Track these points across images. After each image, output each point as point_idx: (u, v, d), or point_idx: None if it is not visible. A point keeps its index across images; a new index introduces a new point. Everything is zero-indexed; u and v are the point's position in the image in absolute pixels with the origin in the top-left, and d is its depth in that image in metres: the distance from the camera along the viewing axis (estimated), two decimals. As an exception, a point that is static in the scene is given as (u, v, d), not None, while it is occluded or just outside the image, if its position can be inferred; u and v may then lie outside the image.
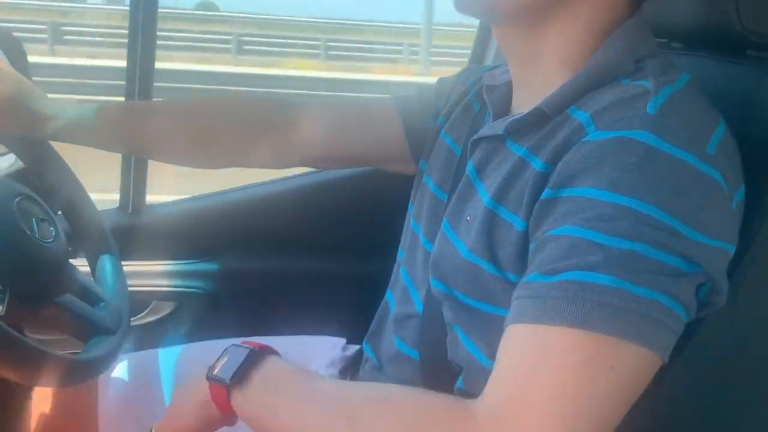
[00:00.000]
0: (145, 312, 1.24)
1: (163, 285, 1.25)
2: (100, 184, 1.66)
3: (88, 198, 0.92)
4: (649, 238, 0.50)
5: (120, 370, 0.91)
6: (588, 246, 0.51)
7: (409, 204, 0.88)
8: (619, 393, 0.50)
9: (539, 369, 0.49)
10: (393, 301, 0.85)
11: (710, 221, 0.53)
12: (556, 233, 0.53)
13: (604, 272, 0.50)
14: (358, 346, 0.96)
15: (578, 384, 0.49)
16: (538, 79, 0.65)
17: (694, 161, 0.52)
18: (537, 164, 0.59)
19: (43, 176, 0.84)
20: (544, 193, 0.56)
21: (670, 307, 0.51)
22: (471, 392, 0.53)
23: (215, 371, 0.61)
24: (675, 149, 0.52)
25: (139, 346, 1.02)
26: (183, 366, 0.91)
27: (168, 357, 0.94)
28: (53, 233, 0.75)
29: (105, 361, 0.74)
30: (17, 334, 0.61)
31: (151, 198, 1.30)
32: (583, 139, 0.55)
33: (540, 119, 0.62)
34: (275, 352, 0.63)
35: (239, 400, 0.59)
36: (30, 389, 0.89)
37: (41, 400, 0.90)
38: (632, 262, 0.50)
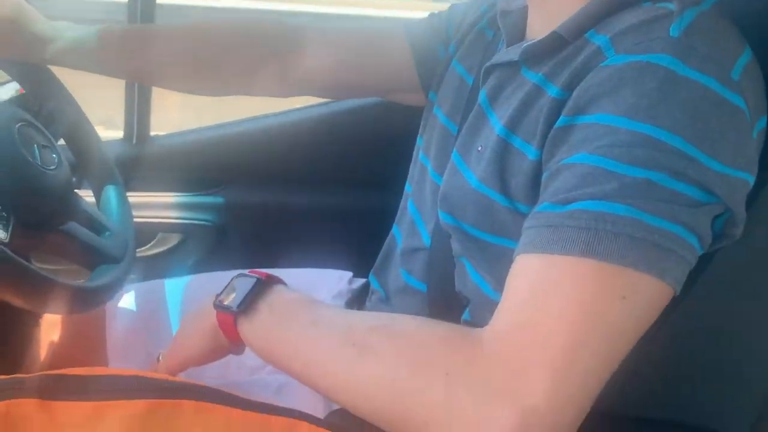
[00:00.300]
0: (151, 243, 1.24)
1: (169, 217, 1.24)
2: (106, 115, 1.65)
3: (91, 127, 0.90)
4: (666, 166, 0.49)
5: (127, 300, 0.91)
6: (602, 174, 0.49)
7: (418, 137, 0.86)
8: (628, 324, 0.50)
9: (548, 298, 0.49)
10: (400, 235, 0.84)
11: (730, 150, 0.51)
12: (570, 162, 0.52)
13: (618, 201, 0.48)
14: (364, 280, 0.96)
15: (587, 314, 0.48)
16: (554, 2, 0.62)
17: (717, 87, 0.50)
18: (552, 91, 0.57)
19: (43, 103, 0.82)
20: (559, 120, 0.54)
21: (685, 238, 0.50)
22: (477, 324, 0.52)
23: (222, 300, 0.61)
24: (697, 74, 0.50)
25: (146, 277, 1.03)
26: (189, 296, 0.92)
27: (174, 287, 0.94)
28: (56, 160, 0.74)
29: (111, 289, 0.74)
30: (23, 261, 0.61)
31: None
32: (601, 64, 0.53)
33: (557, 44, 0.59)
34: (281, 282, 0.63)
35: (246, 328, 0.59)
36: (38, 317, 0.90)
37: (50, 328, 0.91)
38: (647, 191, 0.49)
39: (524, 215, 0.56)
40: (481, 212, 0.63)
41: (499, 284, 0.53)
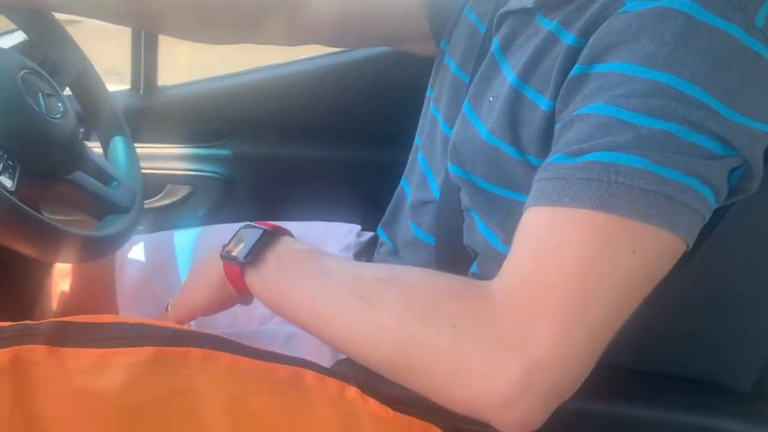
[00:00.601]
0: (160, 195, 1.24)
1: (178, 168, 1.24)
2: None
3: (97, 76, 0.89)
4: (683, 117, 0.47)
5: (136, 251, 0.92)
6: (617, 125, 0.48)
7: (428, 88, 0.84)
8: (639, 278, 0.49)
9: (557, 251, 0.48)
10: (409, 188, 0.84)
11: (751, 100, 0.49)
12: (584, 112, 0.50)
13: (632, 153, 0.47)
14: (372, 233, 0.96)
15: (597, 268, 0.47)
16: None
17: (739, 33, 0.48)
18: (567, 38, 0.55)
19: (48, 51, 0.81)
20: (574, 69, 0.52)
21: (700, 191, 0.48)
22: (485, 277, 0.52)
23: (229, 250, 0.61)
24: (719, 20, 0.48)
25: (155, 228, 1.03)
26: (198, 247, 0.92)
27: (184, 238, 0.94)
28: (61, 109, 0.73)
29: (120, 238, 0.74)
30: (29, 209, 0.61)
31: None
32: (618, 11, 0.51)
33: None
34: (289, 233, 0.62)
35: (253, 278, 0.59)
36: (49, 267, 0.91)
37: (61, 278, 0.91)
38: (663, 142, 0.47)
39: (535, 168, 0.55)
40: (491, 164, 0.62)
41: (508, 238, 0.53)
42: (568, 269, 0.47)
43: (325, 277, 0.56)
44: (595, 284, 0.47)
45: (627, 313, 0.49)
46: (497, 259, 0.53)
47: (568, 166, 0.49)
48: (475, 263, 0.69)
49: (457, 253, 0.71)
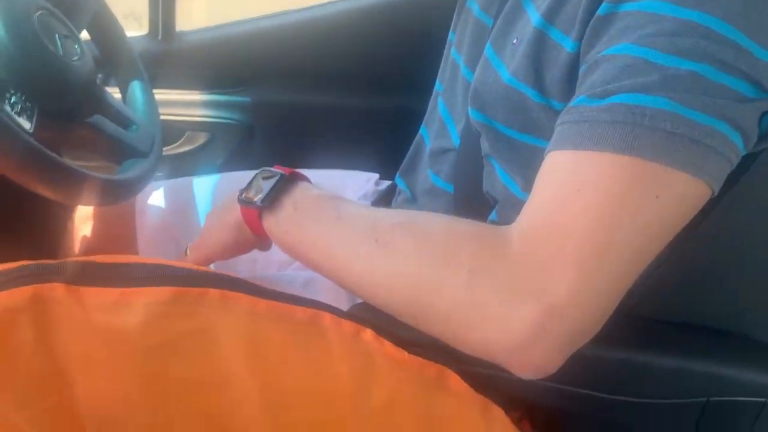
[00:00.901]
0: (179, 142, 1.24)
1: (197, 115, 1.23)
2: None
3: (115, 19, 0.88)
4: (713, 57, 0.45)
5: (156, 197, 0.92)
6: (644, 66, 0.46)
7: (450, 32, 0.82)
8: (661, 225, 0.48)
9: (578, 196, 0.47)
10: (428, 135, 0.82)
11: None
12: (610, 53, 0.49)
13: (659, 94, 0.46)
14: (390, 181, 0.95)
15: (618, 213, 0.46)
16: None
17: None
18: None
19: None
20: (600, 8, 0.50)
21: (728, 136, 0.47)
22: (504, 225, 0.51)
23: (246, 194, 0.61)
24: None
25: (175, 175, 1.03)
26: (217, 193, 0.92)
27: (202, 184, 0.94)
28: (78, 51, 0.72)
29: (139, 182, 0.75)
30: (48, 150, 0.61)
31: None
32: None
33: None
34: (305, 178, 0.62)
35: (270, 223, 0.59)
36: (72, 210, 0.92)
37: (83, 222, 0.93)
38: (691, 83, 0.45)
39: (557, 112, 0.54)
40: (513, 109, 0.61)
41: (528, 185, 0.52)
42: (588, 214, 0.46)
43: (341, 221, 0.56)
44: (616, 230, 0.46)
45: (648, 260, 0.49)
46: (517, 207, 0.52)
47: (591, 109, 0.48)
48: (494, 211, 0.68)
49: (475, 201, 0.70)
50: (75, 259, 0.54)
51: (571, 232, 0.46)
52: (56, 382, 0.53)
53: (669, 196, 0.47)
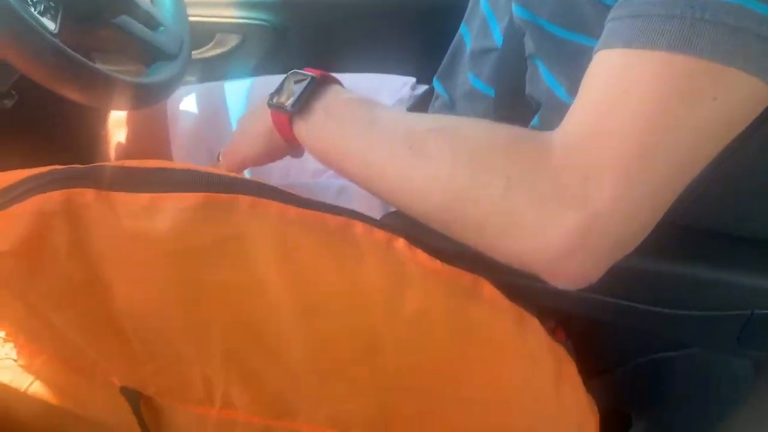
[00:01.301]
0: (209, 45, 1.20)
1: (227, 16, 1.19)
2: None
3: None
4: None
5: (188, 102, 0.91)
6: None
7: None
8: (715, 129, 0.44)
9: (627, 97, 0.43)
10: (469, 36, 0.78)
11: None
12: None
13: None
14: (428, 86, 0.92)
15: (670, 116, 0.43)
16: None
17: None
18: None
19: None
20: None
21: None
22: (547, 130, 0.48)
23: (277, 99, 0.58)
24: None
25: (206, 79, 1.01)
26: (249, 97, 0.90)
27: (234, 89, 0.93)
28: (101, -53, 0.69)
29: (169, 86, 0.73)
30: (73, 52, 0.59)
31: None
32: None
33: None
34: (337, 81, 0.59)
35: (301, 128, 0.57)
36: (104, 115, 0.91)
37: (117, 129, 0.92)
38: None
39: (609, 7, 0.49)
40: (561, 4, 0.56)
41: (574, 87, 0.48)
42: (637, 117, 0.43)
43: (374, 126, 0.53)
44: (665, 135, 0.43)
45: (698, 169, 0.45)
46: (561, 111, 0.49)
47: (646, 2, 0.44)
48: (536, 116, 0.65)
49: (517, 105, 0.67)
50: (103, 164, 0.53)
51: (617, 137, 0.43)
52: (92, 286, 0.54)
53: (727, 98, 0.43)
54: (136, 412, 0.62)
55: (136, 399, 0.62)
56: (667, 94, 0.42)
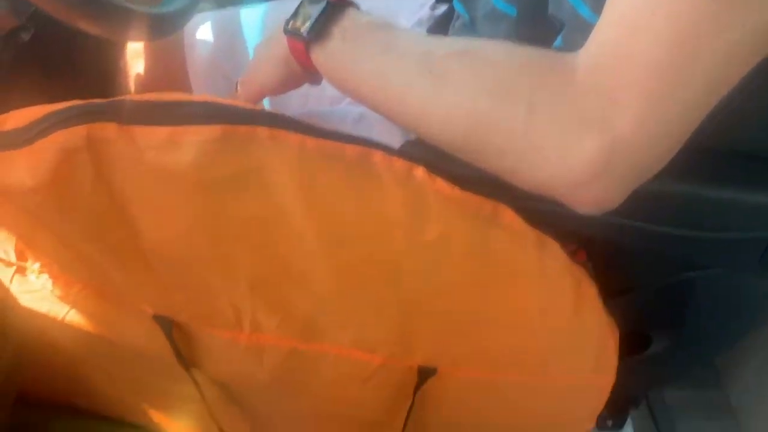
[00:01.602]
0: (224, -31, 1.17)
1: None
2: None
3: None
4: None
5: (204, 31, 0.89)
6: None
7: None
8: (744, 53, 0.42)
9: (653, 18, 0.42)
10: (490, -48, 0.75)
11: None
12: None
13: None
14: (448, 5, 0.89)
15: (697, 38, 0.41)
16: None
17: None
18: None
19: None
20: None
21: None
22: (571, 51, 0.47)
23: (293, 25, 0.57)
24: None
25: (221, 5, 0.99)
26: (266, 23, 0.88)
27: (250, 15, 0.91)
28: None
29: (183, 15, 0.71)
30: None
31: None
32: None
33: None
34: (354, 5, 0.58)
35: (318, 55, 0.56)
36: (122, 48, 0.91)
37: (135, 61, 0.91)
38: None
39: None
40: None
41: (599, 5, 0.46)
42: (663, 38, 0.41)
43: (393, 51, 0.52)
44: (692, 57, 0.41)
45: (725, 91, 0.44)
46: (585, 31, 0.47)
47: None
48: (559, 36, 0.63)
49: (540, 25, 0.64)
50: (124, 98, 0.53)
51: (642, 58, 0.42)
52: (118, 220, 0.55)
53: (758, 18, 0.41)
54: (170, 338, 0.64)
55: (168, 326, 0.64)
56: (695, 14, 0.41)
